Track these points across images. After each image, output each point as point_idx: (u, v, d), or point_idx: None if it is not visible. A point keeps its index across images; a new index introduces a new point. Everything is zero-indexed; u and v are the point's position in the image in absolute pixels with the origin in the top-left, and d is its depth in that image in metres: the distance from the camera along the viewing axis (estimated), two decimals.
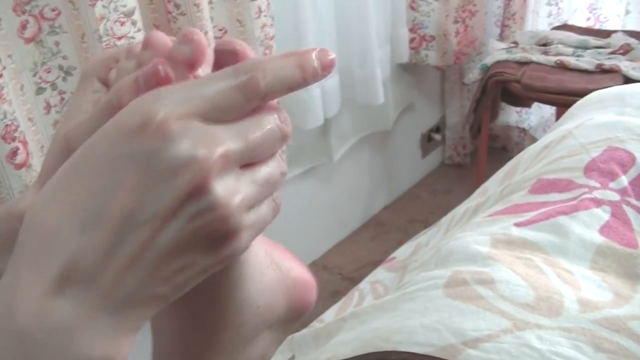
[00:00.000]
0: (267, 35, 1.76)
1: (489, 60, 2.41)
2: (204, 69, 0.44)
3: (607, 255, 0.86)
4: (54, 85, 1.45)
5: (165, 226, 0.36)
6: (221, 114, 0.38)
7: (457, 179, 3.11)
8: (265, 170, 0.41)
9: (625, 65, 2.18)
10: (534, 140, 2.59)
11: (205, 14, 1.56)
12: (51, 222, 0.37)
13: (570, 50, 2.35)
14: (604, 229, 0.90)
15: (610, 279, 0.83)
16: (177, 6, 1.53)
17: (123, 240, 0.36)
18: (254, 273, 0.48)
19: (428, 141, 3.11)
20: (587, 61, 2.23)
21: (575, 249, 0.88)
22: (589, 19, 2.80)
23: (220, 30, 1.70)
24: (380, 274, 1.31)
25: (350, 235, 2.82)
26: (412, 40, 2.59)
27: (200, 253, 0.38)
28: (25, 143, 1.31)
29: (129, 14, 1.40)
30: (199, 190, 0.36)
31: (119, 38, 1.40)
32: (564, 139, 1.10)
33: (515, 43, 2.53)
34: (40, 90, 1.43)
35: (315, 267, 2.64)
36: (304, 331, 1.15)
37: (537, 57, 2.31)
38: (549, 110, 2.87)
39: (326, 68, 0.42)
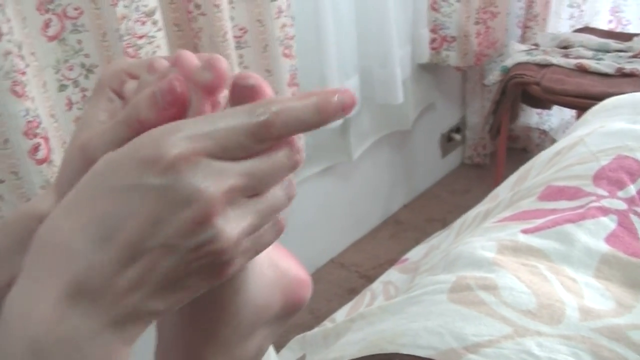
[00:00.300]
0: (287, 35, 1.77)
1: (509, 62, 2.41)
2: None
3: (612, 264, 0.87)
4: (76, 83, 1.47)
5: (168, 254, 0.39)
6: (232, 151, 0.40)
7: (477, 179, 3.11)
8: (270, 199, 0.42)
9: None
10: (554, 142, 2.59)
11: (225, 14, 1.58)
12: (64, 238, 0.40)
13: (590, 53, 2.34)
14: (610, 238, 0.90)
15: (613, 288, 0.84)
16: (197, 6, 1.55)
17: (132, 261, 0.38)
18: (254, 275, 0.51)
19: (448, 141, 3.11)
20: (607, 65, 2.22)
21: (580, 257, 0.89)
22: (610, 21, 2.78)
23: (241, 29, 1.72)
24: (393, 274, 1.32)
25: (368, 233, 2.83)
26: (433, 40, 2.59)
27: (198, 278, 0.40)
28: (47, 139, 1.34)
29: (149, 14, 1.42)
30: (203, 224, 0.38)
31: (140, 37, 1.42)
32: (575, 145, 1.10)
33: (536, 45, 2.53)
34: (62, 88, 1.46)
35: (333, 264, 2.66)
36: (315, 330, 1.17)
37: (557, 59, 2.31)
38: (570, 112, 2.85)
39: (346, 108, 0.43)
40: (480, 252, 0.91)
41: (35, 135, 1.30)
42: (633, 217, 0.93)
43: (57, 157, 1.37)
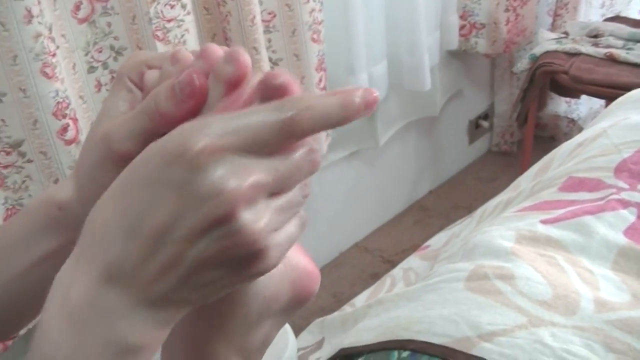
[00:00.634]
0: (315, 20, 1.78)
1: (538, 50, 2.40)
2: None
3: (630, 256, 0.87)
4: (105, 65, 1.49)
5: (193, 245, 0.40)
6: (258, 148, 0.41)
7: (503, 166, 3.10)
8: (289, 198, 0.43)
9: None
10: (582, 130, 2.58)
11: None
12: (101, 225, 0.42)
13: (620, 42, 2.32)
14: (629, 231, 0.91)
15: (630, 281, 0.84)
16: None
17: (156, 252, 0.40)
18: None
19: (475, 128, 3.10)
20: (637, 55, 2.20)
21: (598, 249, 0.89)
22: None
23: (270, 14, 1.73)
24: (413, 261, 1.33)
25: (393, 218, 2.84)
26: (462, 27, 2.59)
27: (227, 270, 0.42)
28: (75, 120, 1.36)
29: None
30: (226, 217, 0.39)
31: (169, 21, 1.43)
32: (597, 137, 1.10)
33: (566, 33, 2.51)
34: (91, 69, 1.47)
35: (357, 249, 2.67)
36: (335, 315, 1.19)
37: (586, 48, 2.29)
38: (599, 101, 2.84)
39: (369, 107, 0.44)
40: (499, 241, 0.92)
41: (64, 116, 1.32)
42: None
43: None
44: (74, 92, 1.39)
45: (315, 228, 2.44)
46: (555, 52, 2.34)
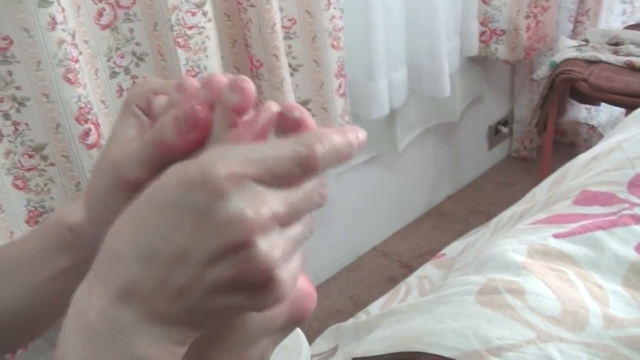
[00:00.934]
0: (335, 27, 1.79)
1: (558, 57, 2.40)
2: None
3: None
4: (127, 70, 1.51)
5: (210, 269, 0.41)
6: (275, 179, 0.42)
7: (523, 172, 3.10)
8: (300, 229, 0.45)
9: None
10: (602, 137, 2.57)
11: (274, 5, 1.60)
12: (120, 245, 0.43)
13: None
14: None
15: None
16: None
17: (174, 274, 0.41)
18: None
19: (495, 133, 3.10)
20: None
21: (609, 264, 0.90)
22: None
23: (290, 20, 1.74)
24: (429, 269, 1.34)
25: (411, 223, 2.85)
26: (482, 33, 2.59)
27: (242, 296, 0.43)
28: (97, 125, 1.38)
29: (200, 5, 1.45)
30: (244, 244, 0.41)
31: (190, 28, 1.45)
32: (612, 151, 1.11)
33: (586, 41, 2.50)
34: (113, 75, 1.50)
35: (375, 252, 2.68)
36: (349, 322, 1.20)
37: (606, 56, 2.29)
38: (619, 108, 2.83)
39: (360, 147, 0.46)
40: (511, 255, 0.93)
41: (86, 121, 1.35)
42: None
43: None
44: (96, 97, 1.41)
45: (333, 231, 2.46)
46: (575, 59, 2.33)
